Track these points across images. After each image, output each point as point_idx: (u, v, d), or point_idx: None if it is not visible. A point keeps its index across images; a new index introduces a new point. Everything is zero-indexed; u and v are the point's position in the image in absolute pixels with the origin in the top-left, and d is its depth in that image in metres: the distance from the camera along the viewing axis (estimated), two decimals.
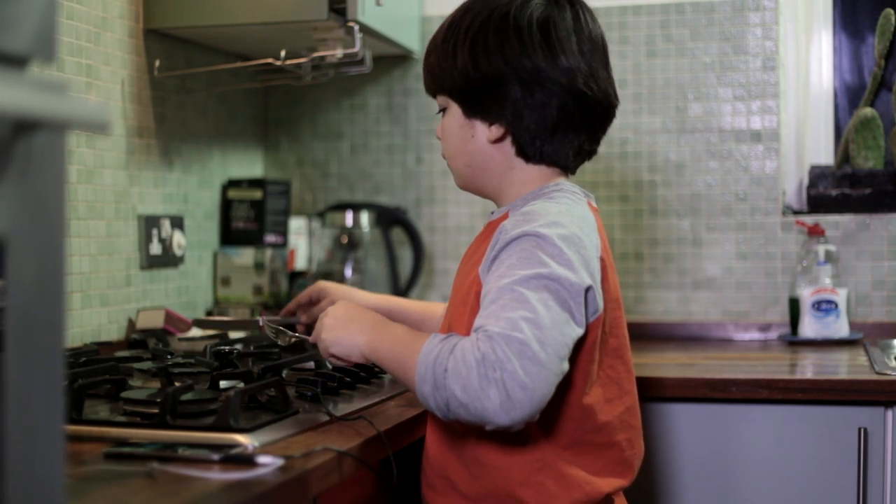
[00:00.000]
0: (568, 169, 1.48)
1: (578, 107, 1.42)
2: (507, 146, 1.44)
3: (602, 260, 1.36)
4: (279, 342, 1.67)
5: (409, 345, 1.30)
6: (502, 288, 1.25)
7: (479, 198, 2.64)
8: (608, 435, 1.40)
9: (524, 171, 1.45)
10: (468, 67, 1.42)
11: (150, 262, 2.22)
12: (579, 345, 1.33)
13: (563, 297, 1.25)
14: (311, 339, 1.49)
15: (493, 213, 1.50)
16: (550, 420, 1.36)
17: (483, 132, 1.44)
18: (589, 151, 1.49)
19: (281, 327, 1.68)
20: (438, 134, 1.53)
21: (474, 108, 1.44)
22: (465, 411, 1.21)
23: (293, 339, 1.65)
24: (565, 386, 1.35)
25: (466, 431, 1.38)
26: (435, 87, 1.49)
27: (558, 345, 1.22)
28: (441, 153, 1.54)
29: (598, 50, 1.45)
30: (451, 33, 1.45)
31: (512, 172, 1.46)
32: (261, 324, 1.68)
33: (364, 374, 1.67)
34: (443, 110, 1.50)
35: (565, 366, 1.24)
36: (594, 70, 1.44)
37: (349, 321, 1.40)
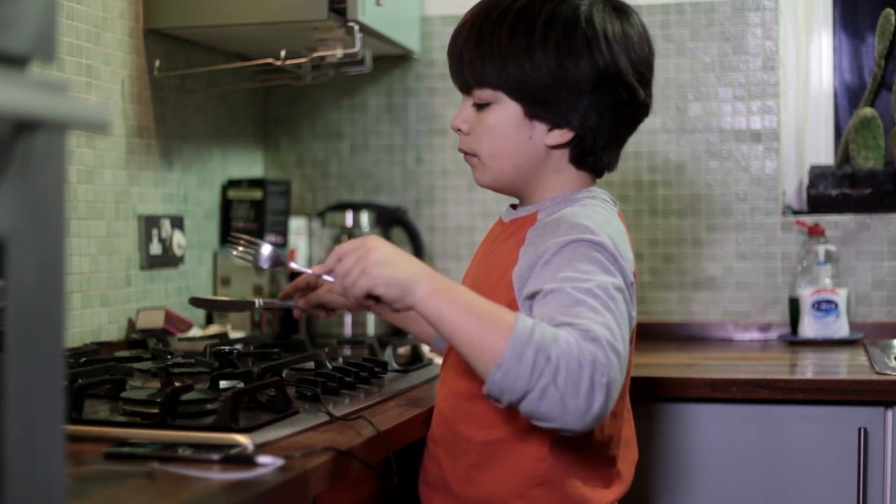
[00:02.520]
0: (599, 174, 1.46)
1: (637, 118, 1.42)
2: (564, 151, 1.39)
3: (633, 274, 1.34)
4: (253, 260, 1.54)
5: (491, 312, 1.17)
6: (585, 290, 1.18)
7: (479, 198, 2.66)
8: (607, 449, 1.40)
9: (567, 174, 1.41)
10: (552, 69, 1.34)
11: (150, 262, 2.22)
12: None
13: (626, 306, 1.23)
14: (329, 266, 1.32)
15: (513, 207, 1.46)
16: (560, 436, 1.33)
17: (542, 134, 1.37)
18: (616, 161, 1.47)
19: (253, 238, 1.56)
20: (460, 126, 1.41)
21: (544, 110, 1.36)
22: (548, 404, 1.12)
23: (272, 262, 1.52)
24: None
25: (472, 436, 1.38)
26: (492, 78, 1.36)
27: (624, 361, 1.18)
28: (462, 148, 1.43)
29: (653, 62, 1.44)
30: (523, 28, 1.35)
31: (556, 175, 1.40)
32: (257, 305, 1.63)
33: (364, 374, 1.67)
34: (482, 105, 1.39)
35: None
36: (652, 81, 1.44)
37: (405, 262, 1.25)
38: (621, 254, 1.27)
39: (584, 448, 1.37)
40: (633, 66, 1.39)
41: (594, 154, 1.40)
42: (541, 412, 1.14)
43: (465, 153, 1.43)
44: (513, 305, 1.30)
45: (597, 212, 1.34)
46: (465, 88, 1.41)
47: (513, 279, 1.31)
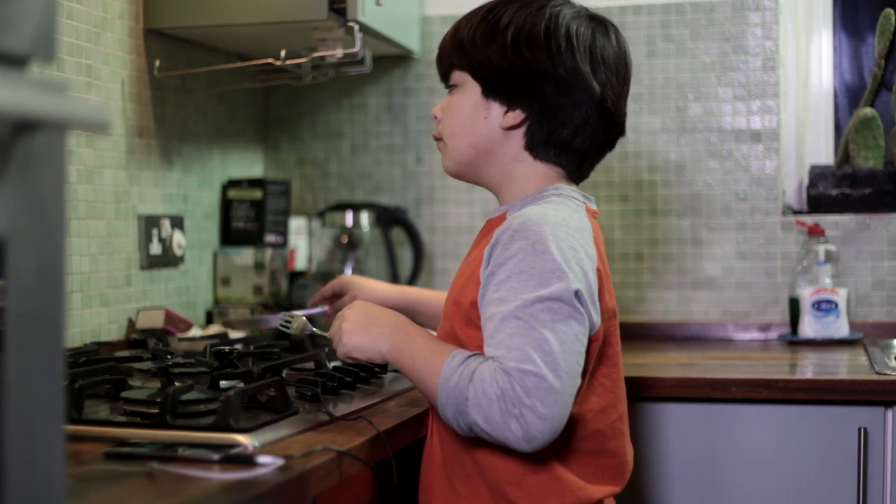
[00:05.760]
0: (570, 176, 1.49)
1: (599, 121, 1.45)
2: (518, 136, 1.44)
3: (598, 271, 1.36)
4: (290, 330, 1.67)
5: (429, 363, 1.32)
6: (507, 315, 1.27)
7: (479, 198, 2.66)
8: (600, 442, 1.41)
9: (528, 166, 1.45)
10: (508, 50, 1.42)
11: (150, 262, 2.22)
12: None
13: (567, 314, 1.27)
14: (329, 333, 1.49)
15: (494, 211, 1.50)
16: None
17: (498, 115, 1.44)
18: (587, 171, 1.52)
19: (296, 313, 1.69)
20: (436, 113, 1.51)
21: (499, 90, 1.43)
22: (488, 437, 1.27)
23: (308, 331, 1.66)
24: None
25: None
26: (458, 60, 1.46)
27: (571, 365, 1.26)
28: (434, 134, 1.52)
29: (628, 80, 1.49)
30: (493, 17, 1.45)
31: (516, 166, 1.45)
32: (286, 316, 1.69)
33: (364, 374, 1.67)
34: (451, 87, 1.49)
35: (579, 379, 1.29)
36: (623, 95, 1.48)
37: (370, 326, 1.41)
38: (575, 256, 1.32)
39: (573, 440, 1.38)
40: (596, 69, 1.43)
41: (545, 143, 1.44)
42: (489, 440, 1.28)
43: (436, 139, 1.52)
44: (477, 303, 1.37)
45: (558, 211, 1.38)
46: (444, 78, 1.51)
47: (480, 277, 1.36)
